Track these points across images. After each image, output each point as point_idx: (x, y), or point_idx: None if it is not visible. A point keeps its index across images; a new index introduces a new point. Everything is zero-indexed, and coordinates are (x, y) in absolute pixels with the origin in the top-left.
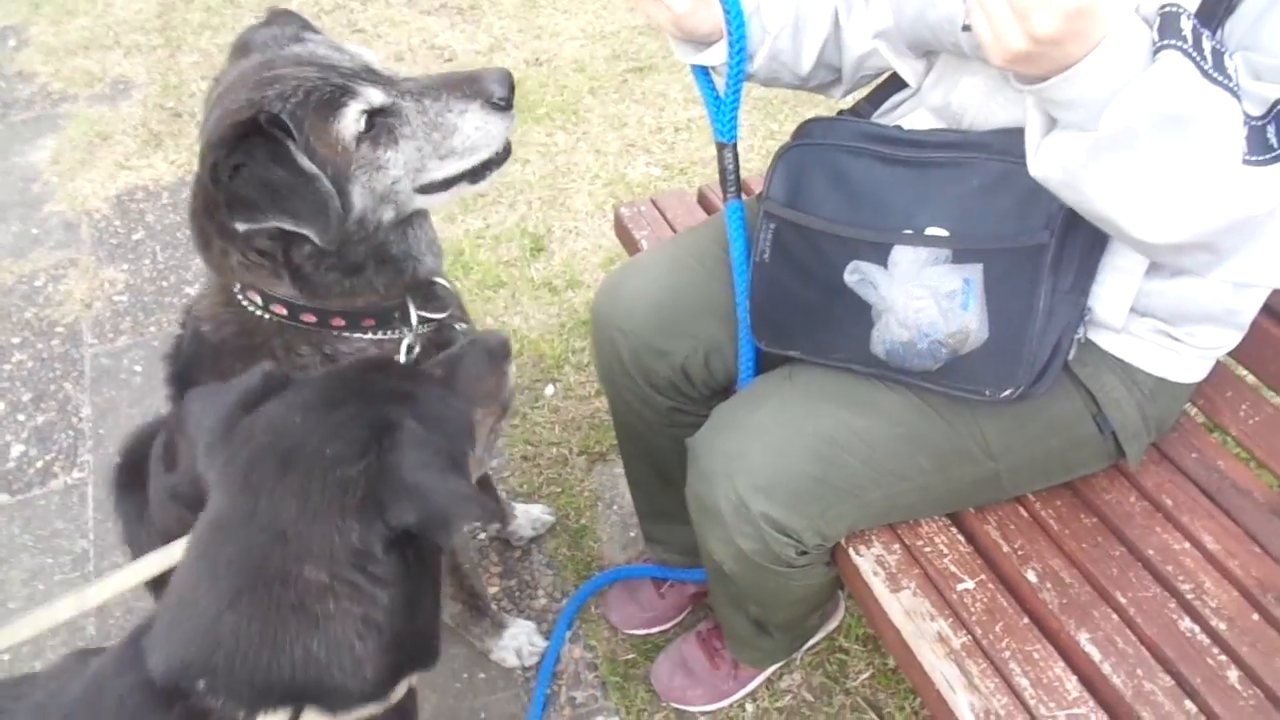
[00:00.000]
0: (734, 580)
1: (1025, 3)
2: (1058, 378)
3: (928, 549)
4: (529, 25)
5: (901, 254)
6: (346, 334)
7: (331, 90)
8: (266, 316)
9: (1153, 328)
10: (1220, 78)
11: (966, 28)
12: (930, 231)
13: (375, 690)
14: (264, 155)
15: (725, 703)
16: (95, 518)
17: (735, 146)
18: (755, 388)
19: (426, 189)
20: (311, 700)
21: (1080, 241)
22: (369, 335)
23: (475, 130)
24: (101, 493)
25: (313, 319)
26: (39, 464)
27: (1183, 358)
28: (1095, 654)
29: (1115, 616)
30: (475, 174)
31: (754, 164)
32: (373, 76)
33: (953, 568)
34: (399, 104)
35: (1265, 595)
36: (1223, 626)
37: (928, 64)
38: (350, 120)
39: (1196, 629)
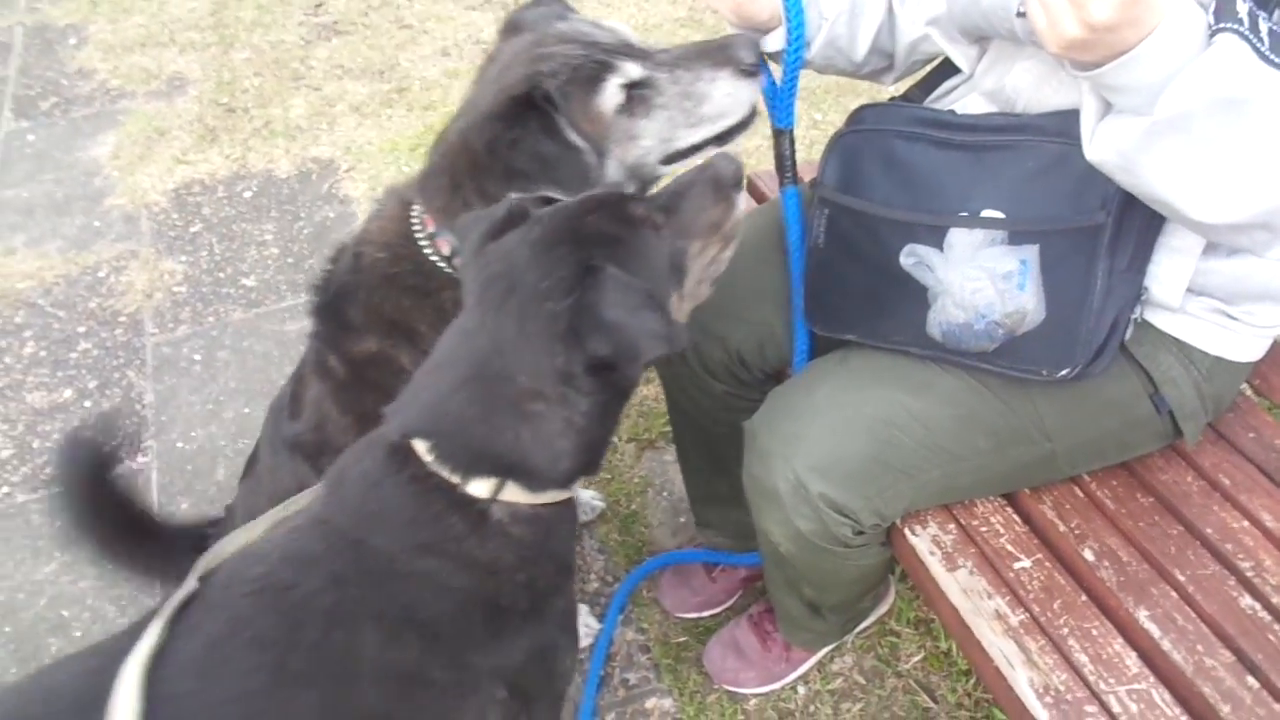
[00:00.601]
0: (790, 562)
1: None
2: (1114, 358)
3: (984, 529)
4: None
5: (957, 236)
6: None
7: (594, 66)
8: (443, 266)
9: (1210, 307)
10: (1277, 59)
11: (1021, 14)
12: (986, 214)
13: (565, 480)
14: (537, 128)
15: (777, 685)
16: (160, 500)
17: (792, 133)
18: (811, 371)
19: (672, 158)
20: (515, 477)
21: (1137, 221)
22: None
23: (725, 97)
24: (165, 477)
25: None
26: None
27: (1240, 336)
28: (1155, 630)
29: (1174, 594)
30: (722, 138)
31: (799, 153)
32: (630, 50)
33: (1009, 547)
34: (654, 76)
35: None
36: None
37: (980, 49)
38: (610, 94)
39: (1257, 606)
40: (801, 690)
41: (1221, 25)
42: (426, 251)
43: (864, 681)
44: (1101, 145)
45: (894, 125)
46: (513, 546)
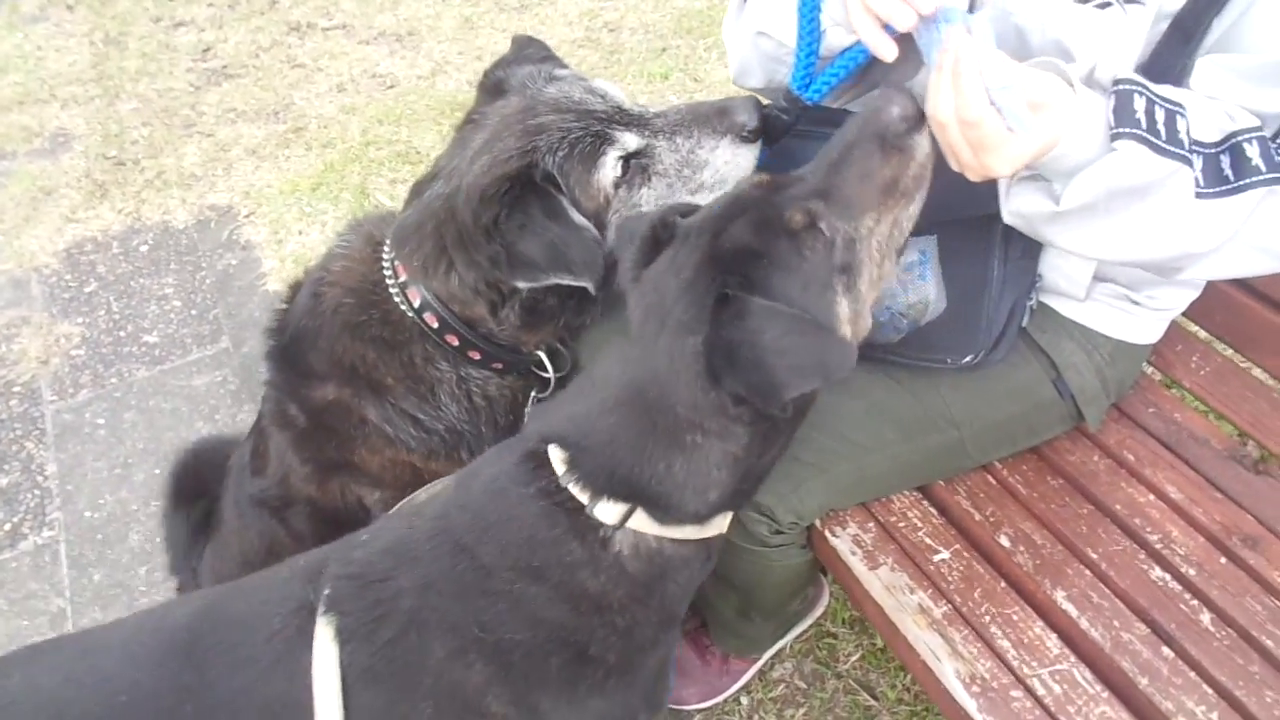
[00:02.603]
0: (716, 569)
1: (982, 153)
2: (1015, 344)
3: (902, 524)
4: (469, 47)
5: None
6: (478, 369)
7: (592, 139)
8: (411, 317)
9: (1114, 293)
10: (1173, 148)
11: None
12: None
13: (705, 513)
14: (540, 213)
15: (720, 698)
16: (70, 574)
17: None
18: None
19: None
20: (648, 505)
21: None
22: (494, 376)
23: (725, 165)
24: (75, 549)
25: (456, 341)
26: (7, 526)
27: (1142, 320)
28: (1072, 610)
29: (1088, 572)
30: None
31: None
32: (625, 118)
33: (928, 540)
34: (652, 144)
35: (1230, 539)
36: (1192, 572)
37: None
38: (609, 168)
39: (1168, 577)
40: (744, 701)
41: (1121, 130)
42: (396, 300)
43: (805, 686)
44: (1012, 212)
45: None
46: (625, 583)
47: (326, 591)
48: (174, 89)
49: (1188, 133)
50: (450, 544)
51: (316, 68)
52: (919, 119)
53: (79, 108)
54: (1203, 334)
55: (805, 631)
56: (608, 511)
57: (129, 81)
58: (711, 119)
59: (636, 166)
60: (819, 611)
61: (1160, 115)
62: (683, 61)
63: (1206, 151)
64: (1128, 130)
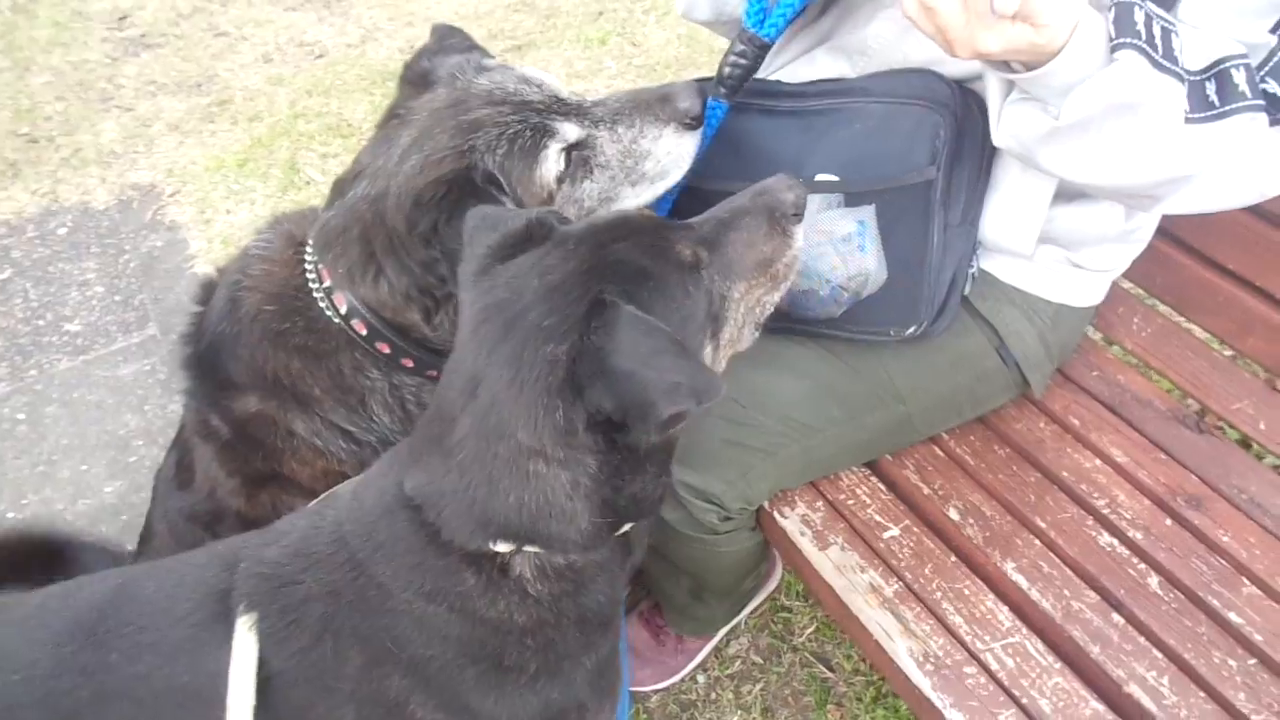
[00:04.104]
0: (663, 553)
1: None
2: (957, 314)
3: (850, 502)
4: (399, 12)
5: None
6: (411, 375)
7: (531, 133)
8: (338, 324)
9: (1056, 256)
10: (1169, 64)
11: None
12: (820, 178)
13: (591, 540)
14: None
15: (676, 678)
16: None
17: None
18: None
19: None
20: (530, 542)
21: (966, 175)
22: (428, 382)
23: (667, 155)
24: None
25: (387, 349)
26: None
27: (1083, 282)
28: (1023, 582)
29: (1038, 542)
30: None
31: None
32: (564, 108)
33: (877, 517)
34: (593, 135)
35: (1175, 499)
36: (1139, 536)
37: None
38: (552, 162)
39: (1115, 542)
40: (701, 679)
41: (1121, 40)
42: (321, 306)
43: (761, 661)
44: (1005, 133)
45: None
46: (528, 607)
47: (242, 587)
48: (89, 60)
49: (1180, 52)
50: (347, 556)
51: (241, 36)
52: (802, 214)
53: None
54: (1143, 295)
55: (759, 606)
56: (497, 545)
57: (40, 53)
58: (654, 106)
59: (578, 159)
60: (772, 586)
61: (1158, 30)
62: (620, 25)
63: (1193, 78)
64: (1128, 41)
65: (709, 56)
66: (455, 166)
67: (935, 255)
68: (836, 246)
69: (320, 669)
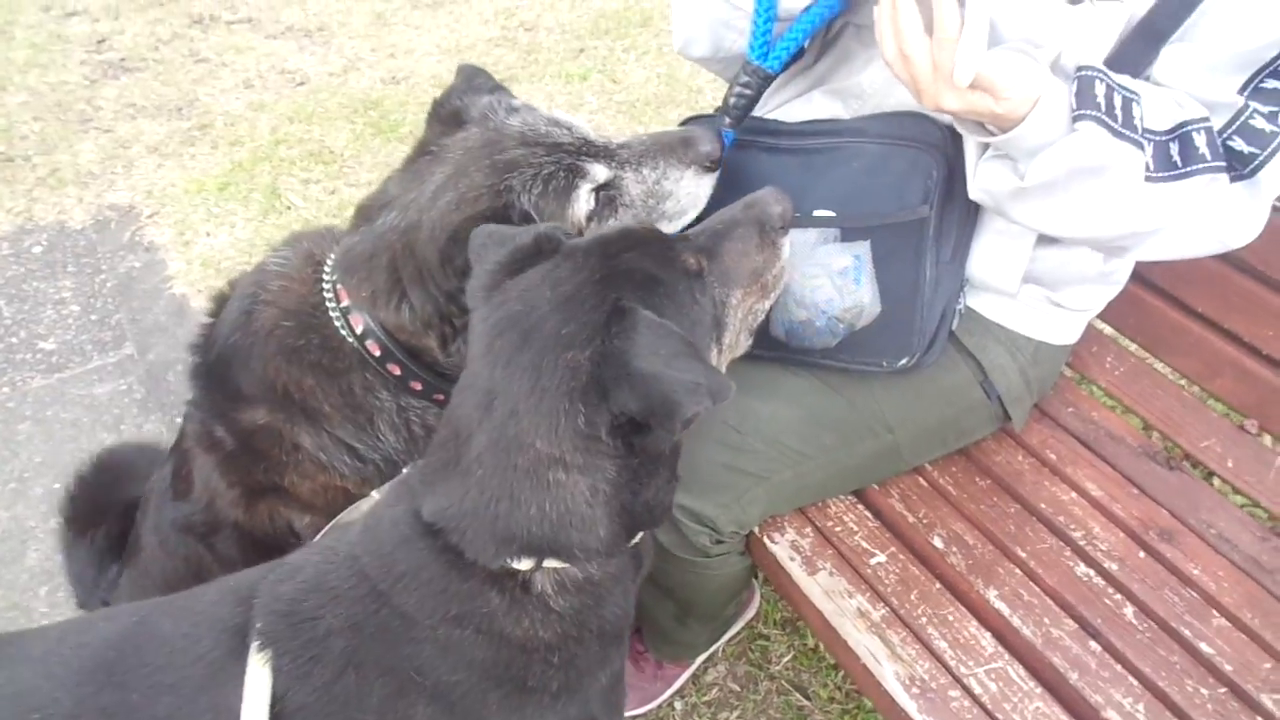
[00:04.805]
0: (652, 577)
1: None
2: (945, 348)
3: (838, 529)
4: (381, 44)
5: (794, 236)
6: (418, 399)
7: (565, 173)
8: (351, 344)
9: (1038, 295)
10: (1128, 132)
11: None
12: (818, 213)
13: (609, 547)
14: None
15: (654, 704)
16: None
17: (772, 79)
18: None
19: None
20: (551, 554)
21: (956, 214)
22: (434, 406)
23: (686, 195)
24: None
25: (398, 371)
26: None
27: (1062, 321)
28: (1004, 609)
29: (1018, 571)
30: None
31: None
32: (593, 150)
33: (864, 543)
34: (620, 176)
35: (1148, 533)
36: (1114, 567)
37: (823, 44)
38: (583, 202)
39: (1092, 573)
40: (679, 705)
41: (1082, 112)
42: (337, 325)
43: (738, 688)
44: (979, 188)
45: None
46: (552, 623)
47: (259, 625)
48: (67, 82)
49: (1141, 119)
50: (368, 589)
51: (221, 63)
52: (789, 225)
53: None
54: (1116, 335)
55: (737, 634)
56: (517, 562)
57: (17, 73)
58: (676, 149)
59: (605, 198)
60: (750, 614)
61: (1118, 101)
62: (600, 62)
63: (1157, 139)
64: (1088, 112)
65: (687, 95)
66: (492, 204)
67: (928, 290)
68: (833, 279)
69: (344, 703)
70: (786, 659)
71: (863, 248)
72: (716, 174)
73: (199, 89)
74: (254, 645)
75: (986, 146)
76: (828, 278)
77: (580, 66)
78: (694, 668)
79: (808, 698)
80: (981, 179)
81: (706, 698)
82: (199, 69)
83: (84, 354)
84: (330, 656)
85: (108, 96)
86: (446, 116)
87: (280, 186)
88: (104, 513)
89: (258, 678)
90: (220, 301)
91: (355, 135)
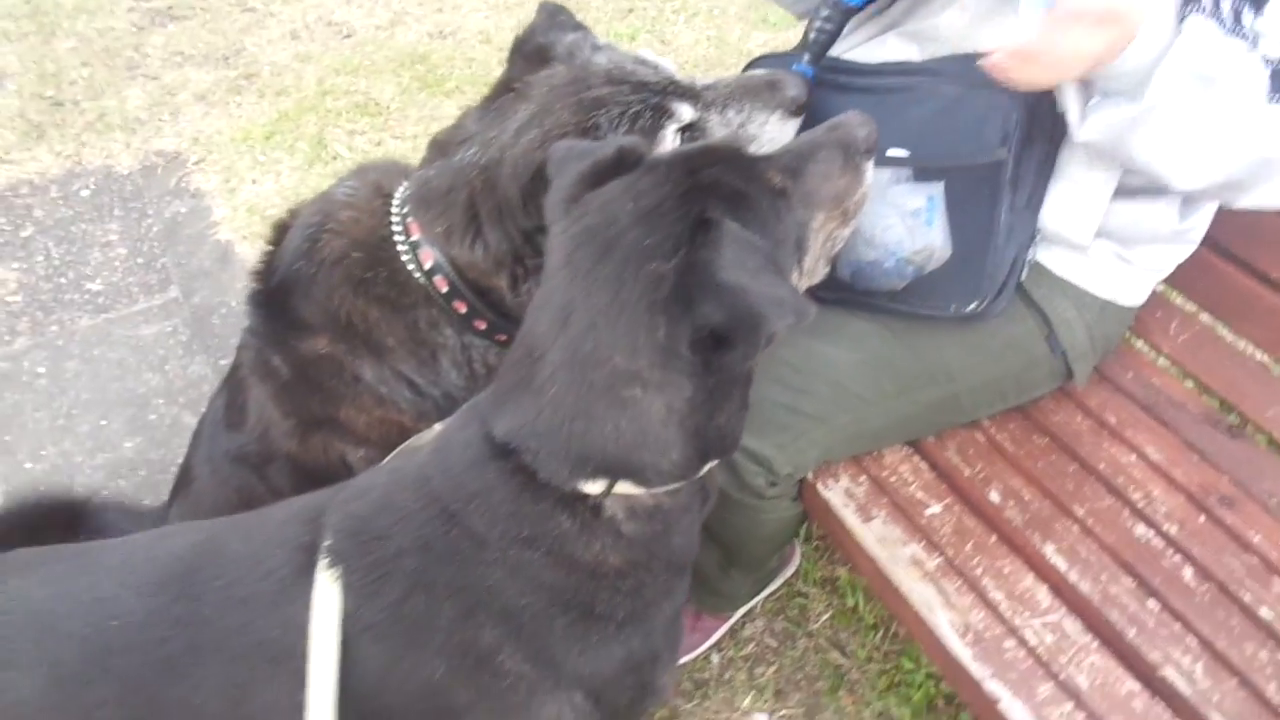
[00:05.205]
0: (702, 522)
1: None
2: (1012, 299)
3: (893, 479)
4: None
5: None
6: (481, 338)
7: (651, 113)
8: (419, 279)
9: (1109, 250)
10: (1239, 33)
11: None
12: (891, 153)
13: (681, 471)
14: None
15: (692, 656)
16: None
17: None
18: None
19: None
20: (624, 475)
21: (1035, 160)
22: (496, 346)
23: (770, 140)
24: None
25: (463, 309)
26: None
27: (1131, 280)
28: (1061, 564)
29: (1076, 528)
30: None
31: None
32: (679, 89)
33: (919, 494)
34: (705, 117)
35: (1208, 498)
36: (1174, 530)
37: None
38: (669, 142)
39: (1151, 534)
40: (715, 658)
41: (1190, 9)
42: (404, 260)
43: (775, 644)
44: (1092, 129)
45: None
46: (622, 548)
47: (328, 543)
48: (115, 28)
49: (1252, 25)
50: (439, 509)
51: (269, 13)
52: (874, 150)
53: (10, 45)
54: (1181, 302)
55: (776, 591)
56: (589, 485)
57: (65, 19)
58: (762, 92)
59: (689, 139)
60: (790, 571)
61: (1226, 5)
62: (650, 23)
63: (1275, 67)
64: (1196, 8)
65: (737, 58)
66: None
67: (1001, 235)
68: (904, 220)
69: (412, 622)
70: (825, 618)
71: (936, 189)
72: (800, 119)
73: (246, 39)
74: (323, 562)
75: (1087, 93)
76: (899, 218)
77: (629, 27)
78: (732, 621)
79: (846, 655)
80: (1095, 121)
81: (744, 652)
82: (246, 18)
83: (130, 296)
84: (399, 575)
85: (155, 44)
86: (530, 54)
87: (326, 137)
88: None
89: (327, 594)
90: (281, 230)
91: (401, 89)
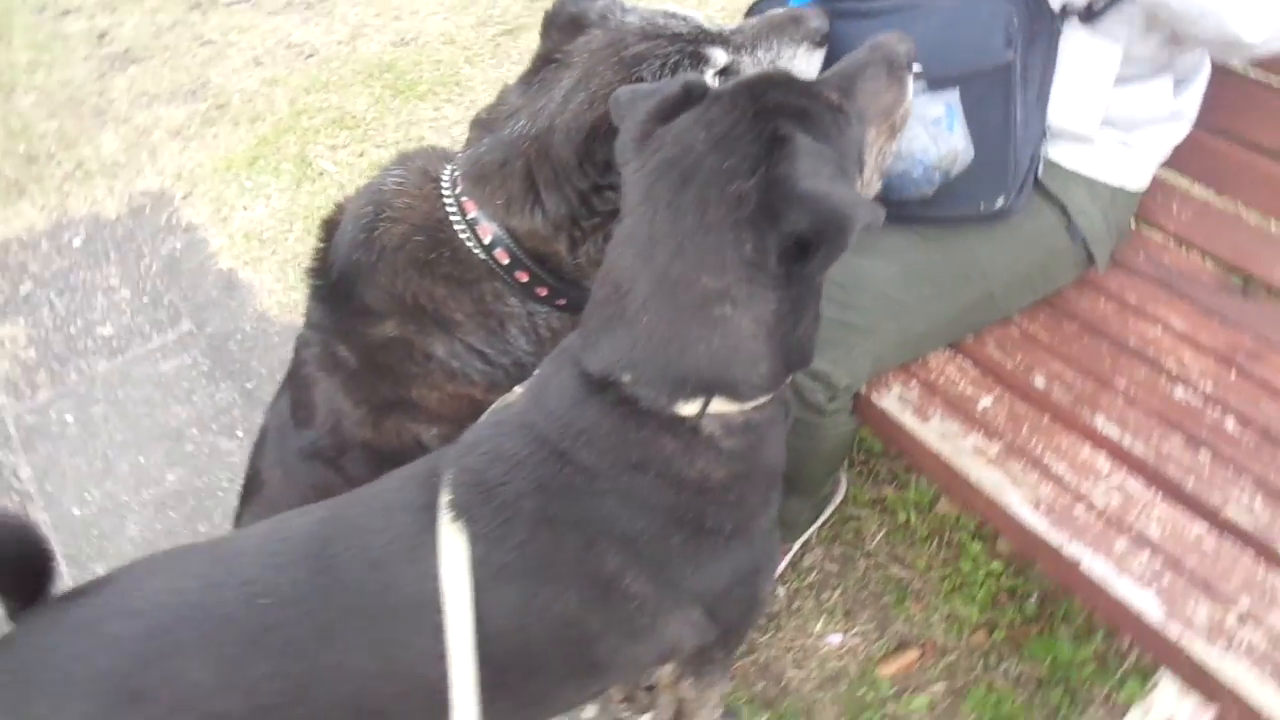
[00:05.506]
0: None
1: None
2: (1031, 195)
3: (941, 380)
4: (385, 8)
5: None
6: (543, 304)
7: (689, 60)
8: (478, 254)
9: (1113, 139)
10: None
11: None
12: None
13: (770, 383)
14: None
15: None
16: (71, 572)
17: None
18: None
19: None
20: (719, 392)
21: (1039, 57)
22: (558, 311)
23: (799, 73)
24: (70, 548)
25: (525, 278)
26: None
27: (1135, 164)
28: (1114, 432)
29: (1120, 399)
30: None
31: None
32: (710, 36)
33: (969, 390)
34: (738, 60)
35: (1235, 355)
36: (1210, 388)
37: None
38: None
39: (1189, 394)
40: (781, 592)
41: None
42: (463, 238)
43: (837, 569)
44: None
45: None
46: (723, 461)
47: (448, 499)
48: (74, 78)
49: None
50: (548, 451)
51: (227, 43)
52: (912, 64)
53: None
54: (1179, 183)
55: (829, 519)
56: (686, 407)
57: (23, 75)
58: (787, 28)
59: (724, 83)
60: (839, 499)
61: None
62: None
63: None
64: None
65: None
66: None
67: (1018, 130)
68: (927, 128)
69: (540, 559)
70: (879, 537)
71: (952, 96)
72: (825, 49)
73: (209, 71)
74: (447, 516)
75: None
76: (922, 127)
77: None
78: (792, 553)
79: (905, 568)
80: None
81: (807, 581)
82: (205, 51)
83: (144, 335)
84: (522, 518)
85: (119, 88)
86: (564, 24)
87: (309, 155)
88: None
89: (453, 544)
90: (330, 226)
91: (374, 99)
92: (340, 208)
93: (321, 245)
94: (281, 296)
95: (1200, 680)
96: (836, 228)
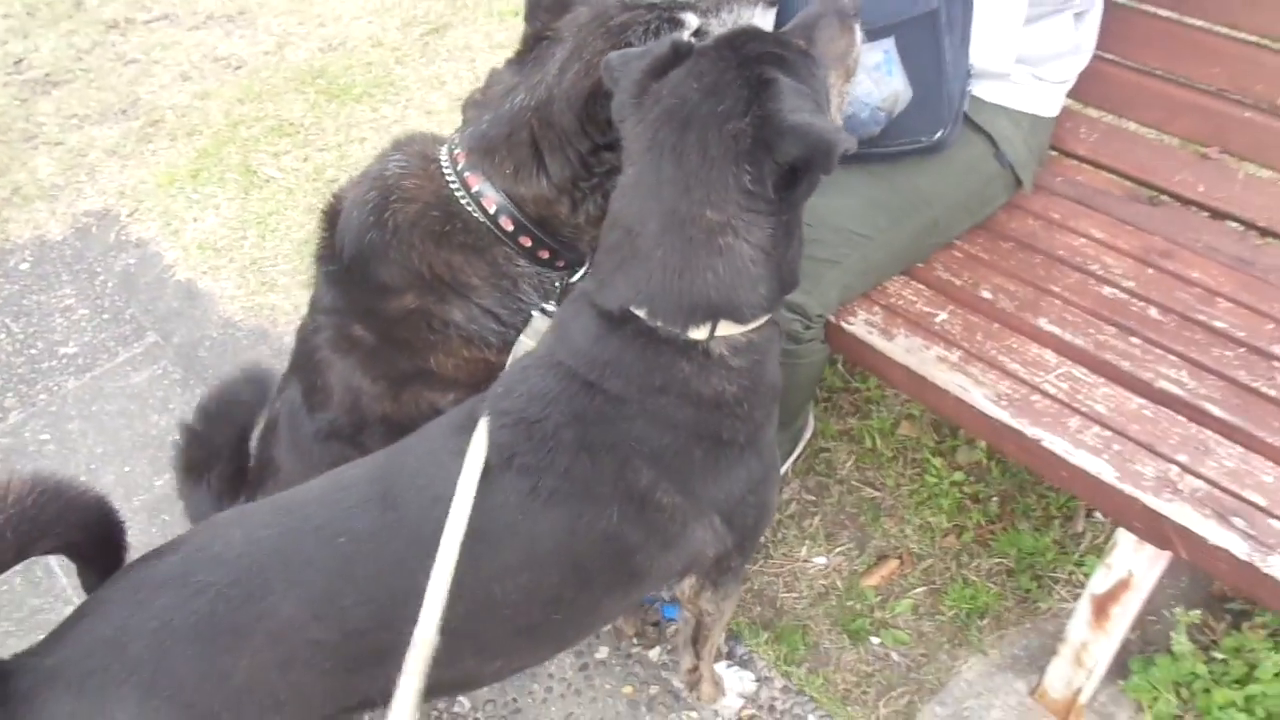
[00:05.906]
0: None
1: None
2: (963, 128)
3: (900, 302)
4: (308, 16)
5: None
6: (544, 267)
7: (667, 25)
8: (484, 223)
9: (1026, 73)
10: None
11: None
12: None
13: (768, 303)
14: None
15: None
16: (72, 583)
17: None
18: None
19: None
20: (726, 315)
21: (960, 3)
22: (558, 273)
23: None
24: (66, 560)
25: (529, 242)
26: None
27: (1046, 94)
28: (1056, 330)
29: (1058, 302)
30: None
31: None
32: (681, 3)
33: (925, 308)
34: (707, 22)
35: (1150, 255)
36: (1132, 284)
37: None
38: None
39: (1116, 291)
40: None
41: None
42: (469, 209)
43: (813, 498)
44: None
45: None
46: (734, 378)
47: (485, 436)
48: None
49: None
50: (579, 384)
51: (152, 60)
52: (859, 13)
53: None
54: (1084, 109)
55: (801, 453)
56: (698, 331)
57: None
58: None
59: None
60: (809, 435)
61: None
62: None
63: None
64: None
65: None
66: None
67: (950, 68)
68: (869, 74)
69: (584, 482)
70: (849, 464)
71: (889, 43)
72: (776, 7)
73: (138, 89)
74: (479, 448)
75: None
76: (865, 73)
77: (510, 3)
78: None
79: (877, 489)
80: None
81: (789, 511)
82: (130, 70)
83: (109, 350)
84: (564, 447)
85: (46, 111)
86: (550, 4)
87: (252, 163)
88: (217, 455)
89: (480, 444)
90: (331, 214)
91: (310, 104)
92: (339, 197)
93: (325, 234)
94: (245, 301)
95: (1153, 530)
96: (823, 153)
